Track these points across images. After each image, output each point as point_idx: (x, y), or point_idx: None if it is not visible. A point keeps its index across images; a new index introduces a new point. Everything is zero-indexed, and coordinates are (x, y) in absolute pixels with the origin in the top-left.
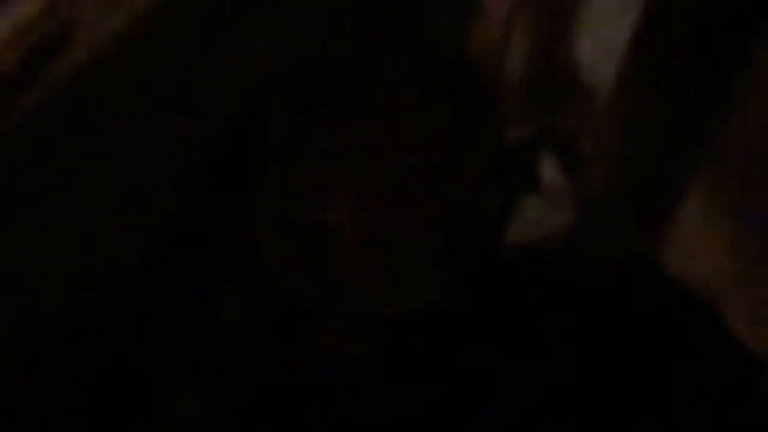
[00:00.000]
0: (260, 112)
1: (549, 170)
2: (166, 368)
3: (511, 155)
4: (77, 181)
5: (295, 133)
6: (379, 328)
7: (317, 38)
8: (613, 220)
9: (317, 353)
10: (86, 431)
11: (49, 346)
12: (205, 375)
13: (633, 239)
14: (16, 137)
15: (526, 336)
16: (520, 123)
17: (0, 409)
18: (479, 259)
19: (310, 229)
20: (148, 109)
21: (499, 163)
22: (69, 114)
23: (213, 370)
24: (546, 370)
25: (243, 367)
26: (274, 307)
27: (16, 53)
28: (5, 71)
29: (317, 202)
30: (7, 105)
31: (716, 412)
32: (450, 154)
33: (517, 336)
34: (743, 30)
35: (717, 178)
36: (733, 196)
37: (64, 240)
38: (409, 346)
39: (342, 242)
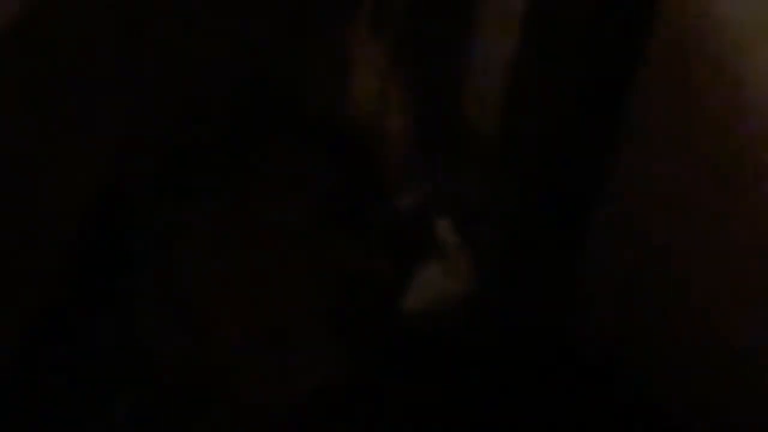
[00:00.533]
0: (125, 190)
1: (444, 235)
2: None
3: (402, 221)
4: None
5: (169, 212)
6: (269, 417)
7: (189, 109)
8: (510, 285)
9: None
10: None
11: None
12: None
13: (532, 302)
14: None
15: (425, 414)
16: (409, 186)
17: None
18: (373, 332)
19: (191, 315)
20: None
21: (390, 230)
22: None
23: None
24: None
25: None
26: (162, 400)
27: None
28: None
29: (197, 285)
30: None
31: None
32: (336, 224)
33: (415, 415)
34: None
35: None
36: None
37: None
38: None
39: (225, 327)
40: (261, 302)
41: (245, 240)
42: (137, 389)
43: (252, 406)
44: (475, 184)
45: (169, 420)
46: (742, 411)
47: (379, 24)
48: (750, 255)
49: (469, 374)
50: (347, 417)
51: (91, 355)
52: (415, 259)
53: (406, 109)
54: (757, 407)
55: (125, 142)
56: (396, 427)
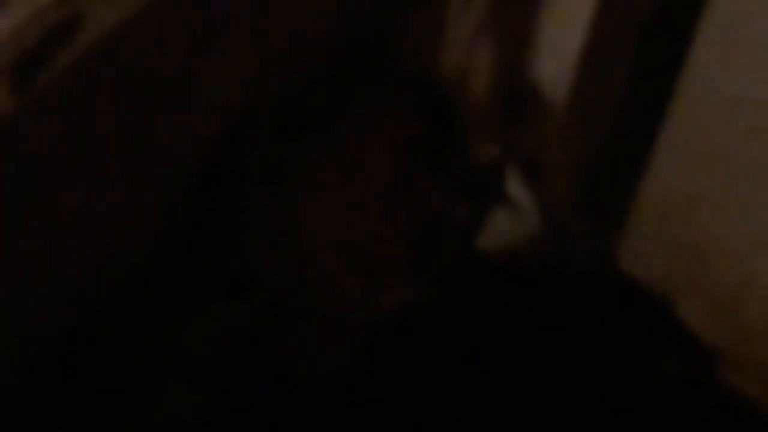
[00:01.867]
0: (246, 131)
1: (515, 183)
2: (162, 369)
3: (479, 170)
4: (77, 171)
5: (280, 152)
6: (359, 331)
7: (300, 63)
8: (575, 228)
9: (303, 354)
10: (84, 429)
11: (49, 347)
12: (199, 375)
13: (594, 245)
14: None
15: (496, 338)
16: (487, 140)
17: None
18: (451, 266)
19: (293, 240)
20: (147, 104)
21: (468, 178)
22: (78, 95)
23: (206, 370)
24: (515, 370)
25: (235, 367)
26: (263, 312)
27: (35, 32)
28: (27, 47)
29: (300, 215)
30: (28, 78)
31: (673, 403)
32: (422, 170)
33: (487, 338)
34: (678, 33)
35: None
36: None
37: (67, 239)
38: (387, 348)
39: (323, 252)
40: (354, 234)
41: (343, 180)
42: (240, 302)
43: (339, 321)
44: (545, 139)
45: (268, 330)
46: None
47: None
48: None
49: (533, 304)
50: (421, 339)
51: (200, 271)
52: (489, 204)
53: (489, 70)
54: None
55: (250, 89)
56: (466, 350)
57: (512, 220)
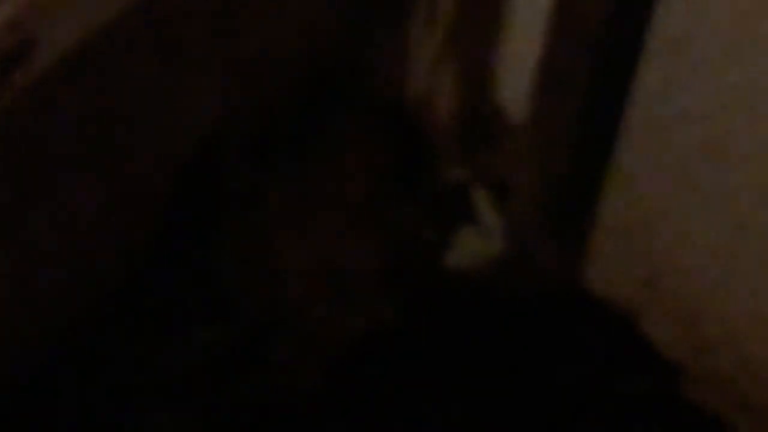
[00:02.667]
0: (219, 154)
1: (481, 204)
2: (140, 390)
3: (446, 192)
4: (37, 195)
5: (251, 175)
6: (331, 349)
7: (270, 87)
8: (539, 246)
9: (277, 373)
10: None
11: (26, 370)
12: (178, 395)
13: (558, 264)
14: None
15: (464, 356)
16: (453, 162)
17: None
18: (419, 285)
19: (265, 262)
20: (111, 125)
21: (436, 200)
22: (30, 121)
23: (185, 390)
24: (481, 387)
25: (211, 387)
26: (237, 333)
27: None
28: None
29: (272, 238)
30: None
31: (637, 417)
32: (391, 193)
33: (454, 356)
34: (628, 51)
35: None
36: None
37: (36, 269)
38: (359, 367)
39: (295, 274)
40: (326, 256)
41: (314, 203)
42: (215, 323)
43: (313, 340)
44: (508, 160)
45: (243, 350)
46: None
47: (432, 20)
48: None
49: (499, 321)
50: (394, 354)
51: (180, 292)
52: (456, 225)
53: (452, 94)
54: None
55: (222, 111)
56: (436, 366)
57: (479, 240)
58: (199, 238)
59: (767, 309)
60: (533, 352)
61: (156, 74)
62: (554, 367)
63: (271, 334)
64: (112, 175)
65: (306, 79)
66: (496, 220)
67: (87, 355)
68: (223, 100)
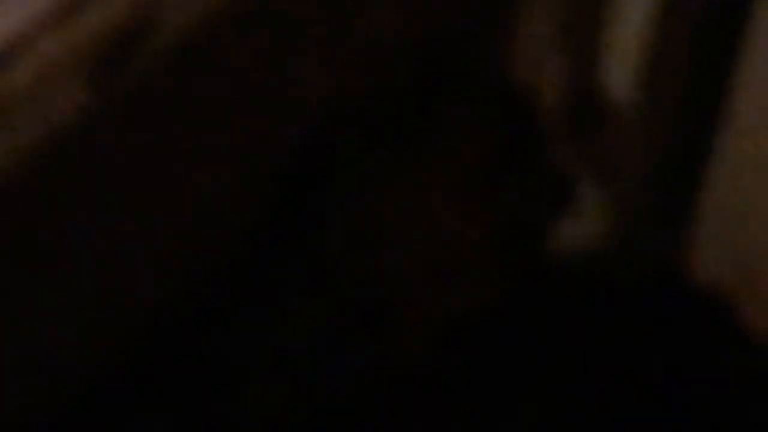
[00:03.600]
0: (332, 134)
1: (586, 191)
2: (248, 364)
3: (553, 177)
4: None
5: (364, 156)
6: (437, 329)
7: (384, 69)
8: (642, 233)
9: (380, 350)
10: (171, 422)
11: (137, 340)
12: (285, 370)
13: (659, 250)
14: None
15: (565, 336)
16: (560, 148)
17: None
18: (525, 269)
19: (375, 237)
20: (230, 104)
21: (543, 185)
22: (151, 104)
23: (292, 365)
24: (580, 368)
25: (314, 360)
26: (344, 306)
27: (111, 37)
28: (104, 52)
29: (382, 213)
30: (105, 82)
31: (731, 407)
32: (502, 173)
33: (554, 340)
34: (734, 34)
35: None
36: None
37: (151, 238)
38: (467, 343)
39: (407, 250)
40: (432, 237)
41: (425, 184)
42: (324, 300)
43: (416, 320)
44: (614, 146)
45: (349, 329)
46: None
47: (544, 6)
48: None
49: (600, 308)
50: (495, 336)
51: (291, 269)
52: (561, 210)
53: (561, 82)
54: None
55: (336, 93)
56: (536, 350)
57: (581, 227)
58: (310, 218)
59: None
60: (631, 340)
61: (270, 54)
62: (651, 355)
63: (376, 312)
64: (228, 154)
65: (419, 66)
66: (599, 207)
67: (195, 331)
68: (337, 82)
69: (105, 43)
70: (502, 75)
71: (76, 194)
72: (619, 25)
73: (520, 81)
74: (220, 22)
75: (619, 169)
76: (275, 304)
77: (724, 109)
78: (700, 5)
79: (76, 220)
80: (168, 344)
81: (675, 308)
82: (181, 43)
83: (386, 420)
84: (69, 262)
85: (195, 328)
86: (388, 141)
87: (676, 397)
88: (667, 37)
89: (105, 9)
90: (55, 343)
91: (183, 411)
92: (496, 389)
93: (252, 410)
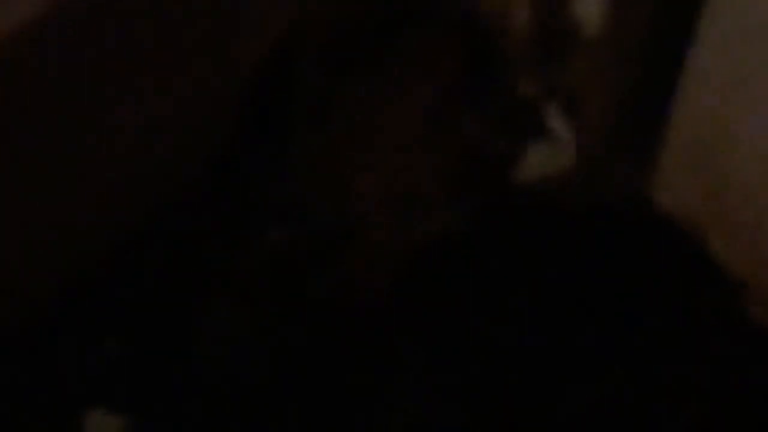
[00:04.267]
0: (293, 60)
1: (552, 118)
2: (210, 287)
3: (518, 105)
4: (125, 82)
5: (325, 83)
6: (397, 257)
7: None
8: (608, 160)
9: (346, 277)
10: (132, 340)
11: (102, 261)
12: (246, 293)
13: (626, 177)
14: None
15: (530, 267)
16: (526, 75)
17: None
18: (489, 195)
19: (339, 164)
20: (178, 46)
21: (508, 112)
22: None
23: (253, 289)
24: (546, 299)
25: (278, 287)
26: (308, 233)
27: None
28: None
29: (345, 140)
30: None
31: (701, 332)
32: (463, 103)
33: (521, 267)
34: None
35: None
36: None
37: (117, 162)
38: (427, 271)
39: (368, 178)
40: (396, 165)
41: (385, 112)
42: (286, 225)
43: (380, 248)
44: (580, 74)
45: (311, 254)
46: None
47: None
48: None
49: (566, 234)
50: (459, 264)
51: (252, 194)
52: (526, 138)
53: (527, 7)
54: None
55: (298, 15)
56: (501, 276)
57: (549, 154)
58: (272, 142)
59: None
60: (599, 265)
61: None
62: (619, 281)
63: (339, 240)
64: (186, 76)
65: None
66: (567, 134)
67: (156, 255)
68: (299, 4)
69: None
70: (468, 3)
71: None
72: None
73: (484, 8)
74: None
75: (587, 97)
76: (239, 235)
77: (696, 36)
78: None
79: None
80: (132, 265)
81: (643, 235)
82: None
83: (349, 350)
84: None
85: (163, 256)
86: (351, 70)
87: (644, 320)
88: None
89: None
90: None
91: (143, 327)
92: (461, 317)
93: (212, 331)
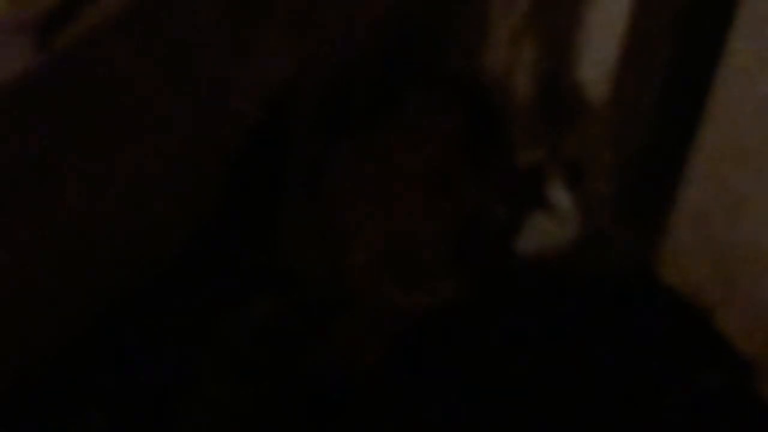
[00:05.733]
0: (288, 122)
1: (555, 186)
2: (201, 355)
3: (520, 172)
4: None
5: (321, 145)
6: (395, 325)
7: (344, 56)
8: (614, 233)
9: (339, 344)
10: (120, 412)
11: (88, 331)
12: (237, 362)
13: (632, 250)
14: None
15: (531, 340)
16: (529, 142)
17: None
18: (488, 265)
19: (333, 230)
20: (178, 74)
21: (509, 179)
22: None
23: (244, 358)
24: (549, 372)
25: (271, 356)
26: (300, 302)
27: None
28: (51, 6)
29: (340, 206)
30: (52, 35)
31: (708, 411)
32: (462, 170)
33: (522, 339)
34: (712, 32)
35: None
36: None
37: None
38: (422, 340)
39: (363, 243)
40: (392, 231)
41: (383, 176)
42: (277, 292)
43: (375, 315)
44: (586, 141)
45: (304, 322)
46: None
47: None
48: None
49: (569, 307)
50: (456, 333)
51: (241, 259)
52: (529, 206)
53: (531, 72)
54: None
55: (295, 71)
56: (501, 347)
57: (552, 223)
58: (264, 201)
59: None
60: (602, 340)
61: (229, 28)
62: (624, 357)
63: (334, 308)
64: (181, 128)
65: (382, 48)
66: (570, 203)
67: (146, 321)
68: (298, 61)
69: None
70: (470, 63)
71: None
72: (595, 20)
73: (488, 70)
74: None
75: (591, 166)
76: (230, 297)
77: (706, 105)
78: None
79: None
80: (121, 332)
81: (649, 309)
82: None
83: (343, 414)
84: None
85: (151, 321)
86: (350, 131)
87: (650, 398)
88: (644, 32)
89: None
90: None
91: (132, 398)
92: (456, 386)
93: (203, 401)
